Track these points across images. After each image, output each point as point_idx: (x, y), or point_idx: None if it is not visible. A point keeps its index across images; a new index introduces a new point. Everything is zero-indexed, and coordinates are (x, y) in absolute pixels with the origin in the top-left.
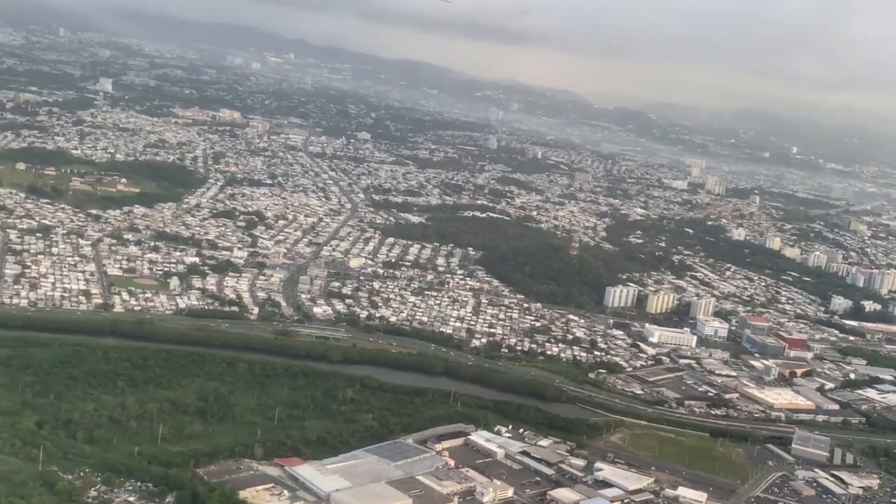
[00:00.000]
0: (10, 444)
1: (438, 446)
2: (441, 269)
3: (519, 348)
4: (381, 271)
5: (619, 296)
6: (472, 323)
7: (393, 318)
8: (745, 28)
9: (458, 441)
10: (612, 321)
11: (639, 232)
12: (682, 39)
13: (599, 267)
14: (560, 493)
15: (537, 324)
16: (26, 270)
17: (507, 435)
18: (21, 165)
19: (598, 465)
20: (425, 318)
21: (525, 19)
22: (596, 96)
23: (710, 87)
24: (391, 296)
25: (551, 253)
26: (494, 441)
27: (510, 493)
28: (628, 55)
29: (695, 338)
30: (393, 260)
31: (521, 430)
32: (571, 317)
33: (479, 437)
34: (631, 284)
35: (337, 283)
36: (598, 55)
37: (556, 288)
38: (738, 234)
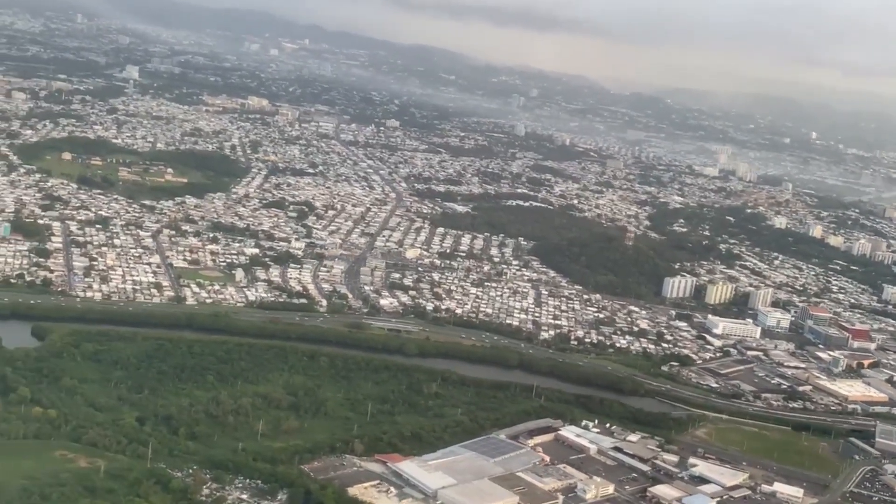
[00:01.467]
0: (117, 442)
1: (531, 442)
2: (496, 259)
3: (588, 340)
4: (437, 262)
5: (677, 286)
6: (536, 315)
7: (458, 311)
8: (796, 18)
9: (549, 436)
10: (674, 312)
11: (681, 220)
12: (732, 29)
13: (654, 257)
14: (660, 489)
15: (600, 315)
16: (94, 263)
17: (596, 430)
18: (67, 155)
19: (691, 460)
20: (489, 310)
21: (570, 8)
22: (610, 81)
23: (724, 72)
24: (453, 287)
25: (605, 243)
26: (585, 436)
27: (611, 489)
28: (662, 42)
29: (758, 329)
30: (447, 251)
31: (608, 425)
32: (632, 308)
33: (569, 433)
34: (685, 274)
35: (397, 275)
36: (627, 41)
37: (613, 279)
38: (780, 222)
